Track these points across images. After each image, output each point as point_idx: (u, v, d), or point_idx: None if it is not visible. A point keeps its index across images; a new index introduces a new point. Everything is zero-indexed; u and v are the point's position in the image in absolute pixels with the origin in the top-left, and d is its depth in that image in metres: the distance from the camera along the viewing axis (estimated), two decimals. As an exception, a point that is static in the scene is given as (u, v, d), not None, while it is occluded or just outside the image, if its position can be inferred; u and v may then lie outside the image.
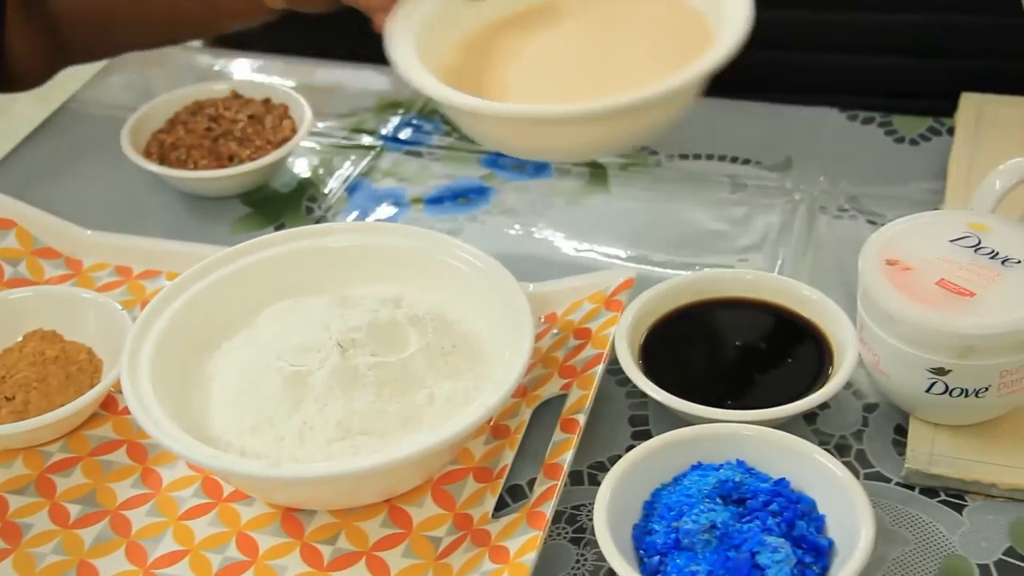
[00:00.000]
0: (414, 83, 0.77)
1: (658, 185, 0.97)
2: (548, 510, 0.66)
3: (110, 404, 0.79)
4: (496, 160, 1.01)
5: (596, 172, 0.99)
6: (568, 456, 0.69)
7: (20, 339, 0.80)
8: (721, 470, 0.66)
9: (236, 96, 1.03)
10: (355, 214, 0.96)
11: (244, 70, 1.15)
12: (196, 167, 0.96)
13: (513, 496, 0.72)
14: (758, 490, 0.64)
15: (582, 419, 0.71)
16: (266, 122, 1.00)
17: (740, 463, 0.66)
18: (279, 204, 0.98)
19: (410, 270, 0.78)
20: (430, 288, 0.77)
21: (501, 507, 0.70)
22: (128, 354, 0.71)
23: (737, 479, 0.65)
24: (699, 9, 0.83)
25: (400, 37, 0.81)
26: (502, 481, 0.71)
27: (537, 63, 0.83)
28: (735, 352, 0.77)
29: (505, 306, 0.73)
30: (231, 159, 0.97)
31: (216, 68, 1.16)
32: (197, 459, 0.65)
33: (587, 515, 0.71)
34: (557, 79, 0.81)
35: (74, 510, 0.72)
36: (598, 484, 0.72)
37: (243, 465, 0.65)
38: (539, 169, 1.00)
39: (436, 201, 0.97)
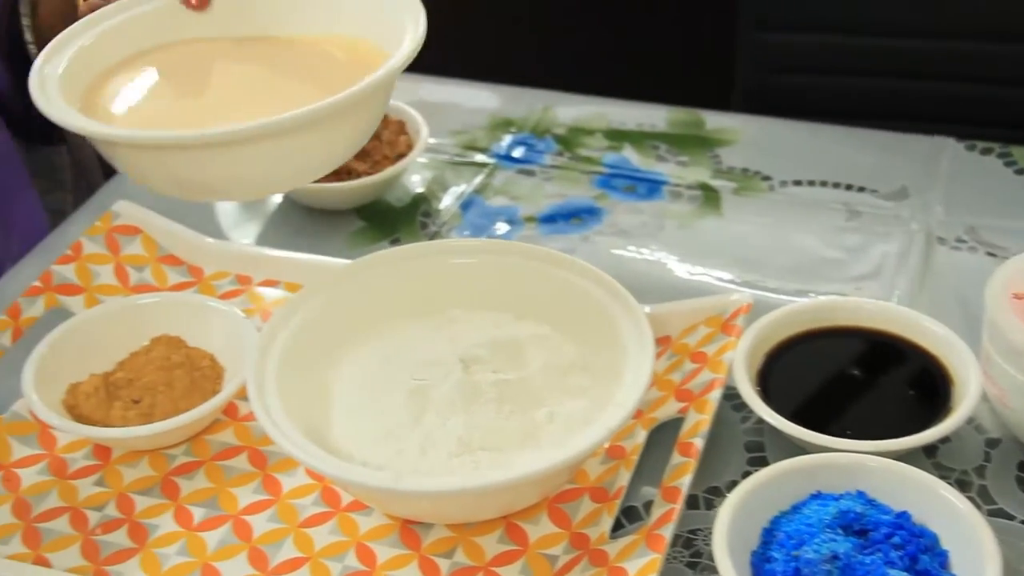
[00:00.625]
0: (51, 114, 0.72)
1: (771, 210, 0.97)
2: (668, 533, 0.66)
3: (231, 410, 0.80)
4: (609, 181, 1.02)
5: (709, 196, 0.99)
6: (687, 480, 0.69)
7: (147, 343, 0.81)
8: (842, 500, 0.66)
9: (354, 111, 1.05)
10: (469, 231, 0.97)
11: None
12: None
13: (628, 517, 0.72)
14: (880, 522, 0.64)
15: (700, 443, 0.71)
16: (383, 137, 1.02)
17: (861, 494, 0.66)
18: (394, 218, 0.99)
19: (530, 288, 0.78)
20: (549, 307, 0.78)
21: (616, 528, 0.71)
22: (255, 363, 0.73)
23: (859, 510, 0.65)
24: (367, 42, 0.79)
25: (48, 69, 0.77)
26: (619, 502, 0.71)
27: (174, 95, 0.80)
28: (854, 381, 0.77)
29: (624, 327, 0.74)
30: (348, 173, 0.99)
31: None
32: (323, 469, 0.66)
33: (703, 540, 0.71)
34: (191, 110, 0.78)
35: (198, 513, 0.74)
36: (713, 509, 0.72)
37: (369, 477, 0.66)
38: (651, 191, 1.00)
39: (549, 220, 0.98)
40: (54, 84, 0.74)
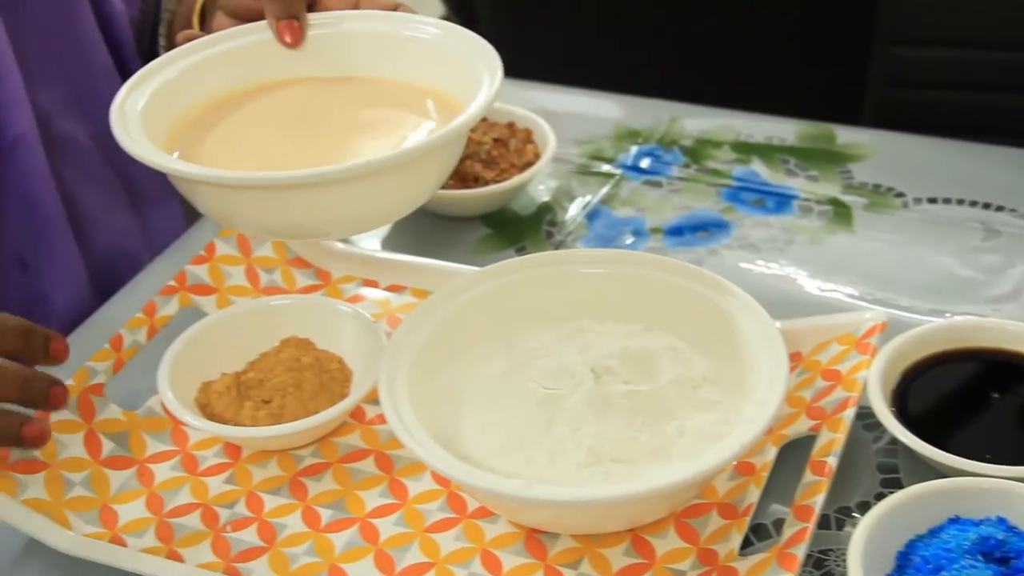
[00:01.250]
0: (135, 152, 0.73)
1: (905, 227, 0.95)
2: (800, 552, 0.65)
3: (358, 413, 0.81)
4: (737, 194, 1.01)
5: (840, 211, 0.97)
6: (820, 499, 0.68)
7: (277, 345, 0.82)
8: (982, 526, 0.64)
9: (482, 119, 1.05)
10: (594, 241, 0.97)
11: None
12: (442, 186, 0.98)
13: (757, 535, 0.71)
14: (1023, 550, 0.62)
15: (833, 462, 0.70)
16: (510, 145, 1.02)
17: (1002, 520, 0.64)
18: (520, 227, 1.00)
19: (661, 300, 0.78)
20: (680, 319, 0.77)
21: (745, 545, 0.70)
22: (387, 367, 0.73)
23: (1000, 537, 0.63)
24: (443, 90, 0.80)
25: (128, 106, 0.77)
26: (748, 519, 0.70)
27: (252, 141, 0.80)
28: (993, 404, 0.75)
29: (757, 341, 0.73)
30: (475, 180, 0.99)
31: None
32: (453, 475, 0.66)
33: (835, 560, 0.70)
34: (273, 155, 0.79)
35: (325, 514, 0.74)
36: (844, 529, 0.71)
37: (499, 484, 0.66)
38: (781, 205, 0.99)
39: (675, 232, 0.97)
40: (135, 119, 0.76)
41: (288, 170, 0.69)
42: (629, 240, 0.97)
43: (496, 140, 1.02)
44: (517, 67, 1.26)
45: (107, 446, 0.79)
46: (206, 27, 0.90)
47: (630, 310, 0.78)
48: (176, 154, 0.76)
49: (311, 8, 0.84)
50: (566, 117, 1.11)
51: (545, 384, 0.71)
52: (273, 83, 0.83)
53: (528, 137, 1.03)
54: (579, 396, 0.70)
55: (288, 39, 0.82)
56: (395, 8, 0.83)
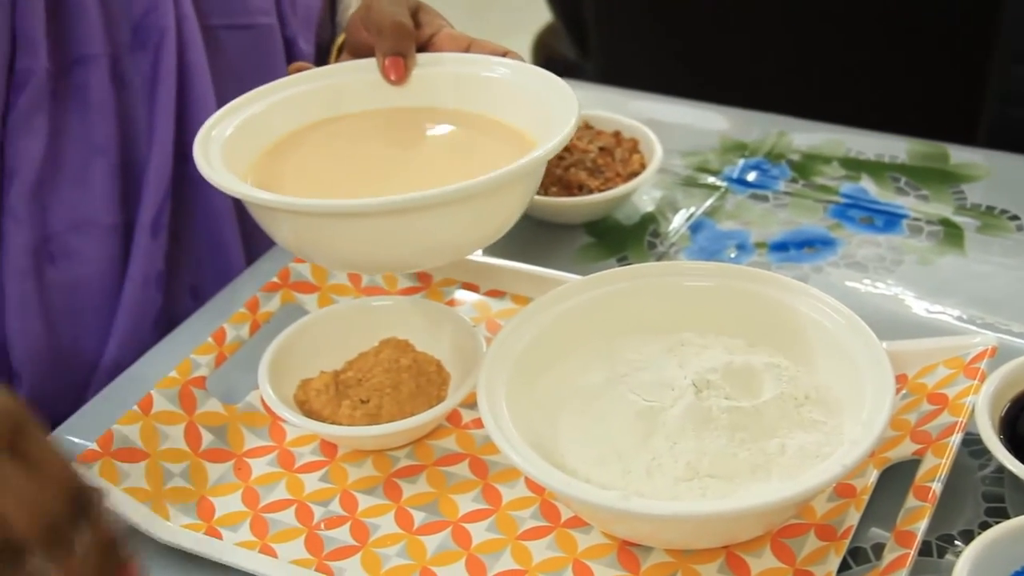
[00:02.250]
0: (217, 182, 0.74)
1: (1018, 251, 0.93)
2: (900, 579, 0.64)
3: (454, 417, 0.81)
4: (844, 211, 0.99)
5: (951, 232, 0.95)
6: (922, 525, 0.66)
7: (376, 345, 0.83)
8: (1093, 561, 0.62)
9: (588, 127, 1.05)
10: (697, 253, 0.96)
11: (593, 102, 1.17)
12: (546, 193, 0.98)
13: (855, 558, 0.70)
14: None
15: (938, 488, 0.68)
16: (616, 155, 1.01)
17: (1113, 556, 0.62)
18: (622, 236, 0.99)
19: (764, 316, 0.77)
20: (784, 336, 0.76)
21: (843, 568, 0.69)
22: (486, 373, 0.73)
23: (1112, 573, 0.61)
24: (520, 127, 0.81)
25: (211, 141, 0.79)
26: (847, 541, 0.69)
27: (334, 168, 0.82)
28: (1108, 437, 0.72)
29: (862, 362, 0.71)
30: (580, 188, 0.99)
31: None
32: (549, 484, 0.66)
33: (935, 589, 0.68)
34: (355, 182, 0.80)
35: (418, 517, 0.74)
36: (945, 557, 0.70)
37: (596, 495, 0.65)
38: (890, 224, 0.97)
39: (780, 247, 0.96)
40: (218, 148, 0.77)
41: (356, 198, 0.70)
42: (732, 254, 0.96)
43: (602, 149, 1.01)
44: (624, 77, 1.26)
45: (206, 439, 0.79)
46: (340, 57, 0.93)
47: (733, 325, 0.77)
48: (250, 181, 0.78)
49: (421, 49, 0.86)
50: (672, 128, 1.10)
51: (645, 396, 0.71)
52: (354, 115, 0.85)
53: (634, 147, 1.03)
54: (679, 410, 0.69)
55: (393, 76, 0.84)
56: (504, 55, 0.85)
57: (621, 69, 1.41)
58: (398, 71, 0.84)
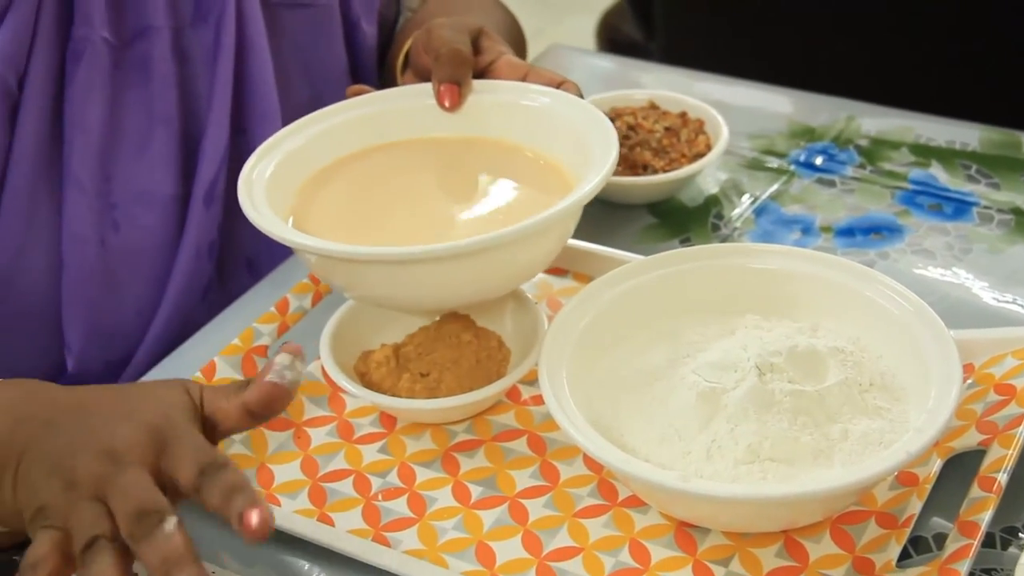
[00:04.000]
0: (268, 230, 0.74)
1: (1092, 241, 0.91)
2: (963, 569, 0.63)
3: (514, 393, 0.81)
4: (913, 198, 0.98)
5: (1022, 221, 0.94)
6: (987, 516, 0.65)
7: (437, 319, 0.83)
8: None
9: (653, 107, 1.04)
10: (761, 236, 0.95)
11: (659, 81, 1.16)
12: (610, 173, 0.97)
13: (916, 548, 0.69)
14: None
15: (1004, 479, 0.67)
16: (682, 135, 1.01)
17: None
18: (685, 218, 0.98)
19: (829, 300, 0.76)
20: (848, 321, 0.75)
21: (903, 557, 0.68)
22: (547, 350, 0.73)
23: None
24: (558, 161, 0.82)
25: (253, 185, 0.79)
26: (908, 530, 0.68)
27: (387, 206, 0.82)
28: None
29: (929, 349, 0.71)
30: (644, 168, 0.98)
31: (631, 78, 1.17)
32: (609, 461, 0.66)
33: (998, 580, 0.67)
34: (405, 224, 0.81)
35: (476, 491, 0.74)
36: (1009, 549, 0.69)
37: (656, 474, 0.65)
38: (959, 212, 0.96)
39: (846, 233, 0.95)
40: (261, 189, 0.78)
41: (402, 246, 0.71)
42: (797, 237, 0.95)
43: (668, 129, 1.01)
44: (689, 58, 1.25)
45: (267, 407, 0.80)
46: (405, 76, 0.94)
47: (798, 309, 0.76)
48: (291, 220, 0.79)
49: (479, 76, 0.86)
50: (739, 110, 1.09)
51: (707, 377, 0.70)
52: (394, 144, 0.86)
53: (700, 128, 1.02)
54: (741, 392, 0.69)
55: (447, 103, 0.85)
56: (560, 84, 0.85)
57: (686, 50, 1.40)
58: (452, 98, 0.84)
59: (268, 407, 0.64)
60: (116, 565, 0.58)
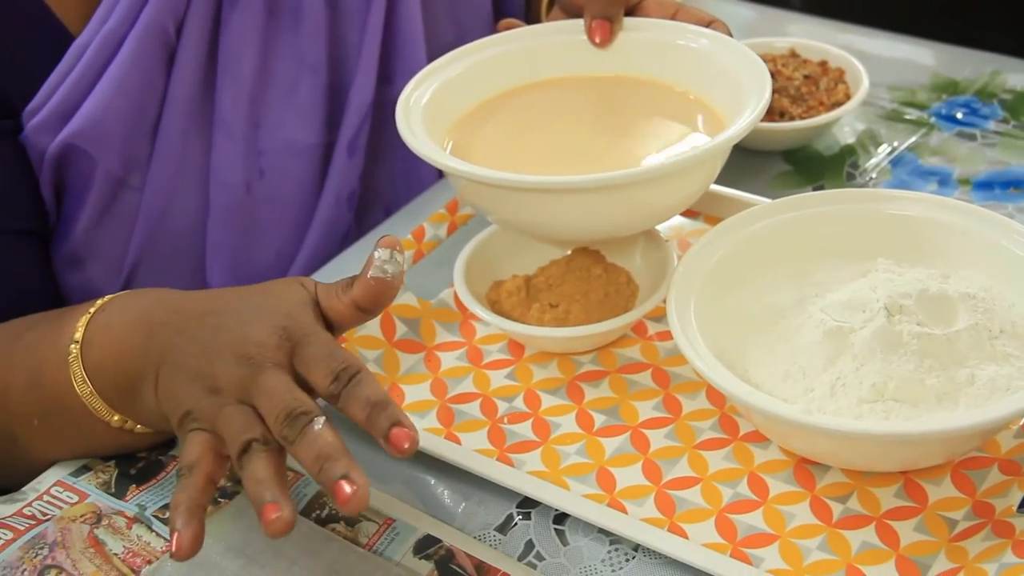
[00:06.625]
0: (426, 155, 0.75)
1: None
2: (1086, 516, 0.63)
3: (640, 328, 0.82)
4: (1056, 154, 0.96)
5: None
6: (1112, 466, 0.65)
7: (568, 253, 0.84)
8: None
9: (794, 55, 1.04)
10: (897, 187, 0.94)
11: (801, 30, 1.15)
12: (747, 118, 0.98)
13: (1039, 497, 0.69)
14: None
15: None
16: (821, 84, 1.00)
17: None
18: (820, 166, 0.98)
19: (963, 248, 0.75)
20: (981, 269, 0.74)
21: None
22: (676, 286, 0.74)
23: None
24: (709, 100, 0.83)
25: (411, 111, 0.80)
26: (1031, 478, 0.68)
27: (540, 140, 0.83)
28: None
29: (1063, 301, 0.70)
30: (781, 115, 0.98)
31: (774, 26, 1.17)
32: (734, 392, 0.67)
33: (1121, 533, 0.66)
34: (560, 155, 0.81)
35: (599, 419, 0.76)
36: None
37: (779, 407, 0.66)
38: (1104, 169, 0.94)
39: (985, 186, 0.94)
40: (418, 114, 0.79)
41: (549, 175, 0.73)
42: (934, 188, 0.94)
43: (807, 77, 1.00)
44: (829, 8, 1.24)
45: (400, 329, 0.82)
46: (551, 12, 0.94)
47: (931, 255, 0.76)
48: (450, 145, 0.80)
49: (628, 13, 0.87)
50: (881, 61, 1.08)
51: (835, 316, 0.70)
52: (549, 81, 0.87)
53: (840, 77, 1.01)
54: (869, 331, 0.69)
55: (598, 39, 0.85)
56: (710, 23, 0.85)
57: (828, 1, 1.38)
58: (603, 34, 0.85)
59: (375, 301, 0.67)
60: (273, 465, 0.61)
